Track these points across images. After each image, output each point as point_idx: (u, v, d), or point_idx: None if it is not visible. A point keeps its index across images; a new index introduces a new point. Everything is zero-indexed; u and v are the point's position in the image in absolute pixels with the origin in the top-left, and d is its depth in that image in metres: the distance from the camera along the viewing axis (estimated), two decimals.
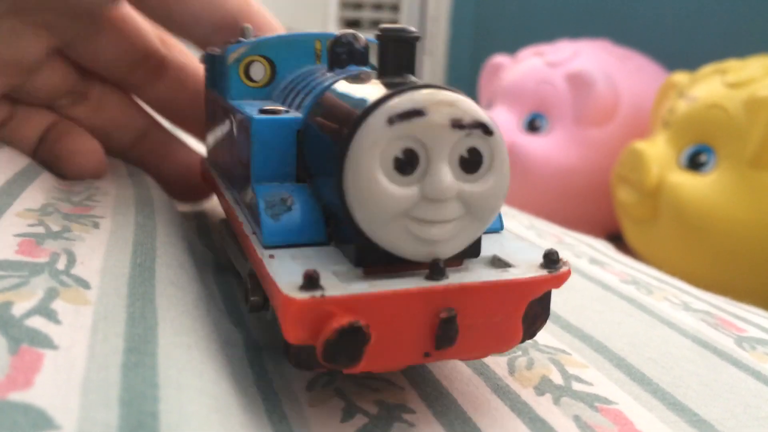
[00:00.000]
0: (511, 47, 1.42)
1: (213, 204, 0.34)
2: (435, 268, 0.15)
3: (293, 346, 0.14)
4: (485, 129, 0.15)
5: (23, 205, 0.20)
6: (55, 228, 0.19)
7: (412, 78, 0.16)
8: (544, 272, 0.15)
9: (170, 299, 0.17)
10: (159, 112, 0.31)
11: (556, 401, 0.18)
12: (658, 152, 0.93)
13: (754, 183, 0.83)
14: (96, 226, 0.20)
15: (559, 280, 0.16)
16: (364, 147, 0.14)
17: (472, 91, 1.57)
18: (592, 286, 0.27)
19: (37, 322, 0.14)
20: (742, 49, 1.05)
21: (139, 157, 0.31)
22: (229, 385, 0.16)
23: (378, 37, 0.16)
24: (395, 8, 2.01)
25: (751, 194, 0.83)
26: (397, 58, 0.16)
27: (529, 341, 0.21)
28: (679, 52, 1.30)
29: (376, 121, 0.14)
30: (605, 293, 0.26)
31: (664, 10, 1.36)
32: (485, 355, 0.16)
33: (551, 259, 0.16)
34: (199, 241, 0.28)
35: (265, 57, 0.22)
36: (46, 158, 0.27)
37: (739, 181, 0.84)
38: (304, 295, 0.13)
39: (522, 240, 0.18)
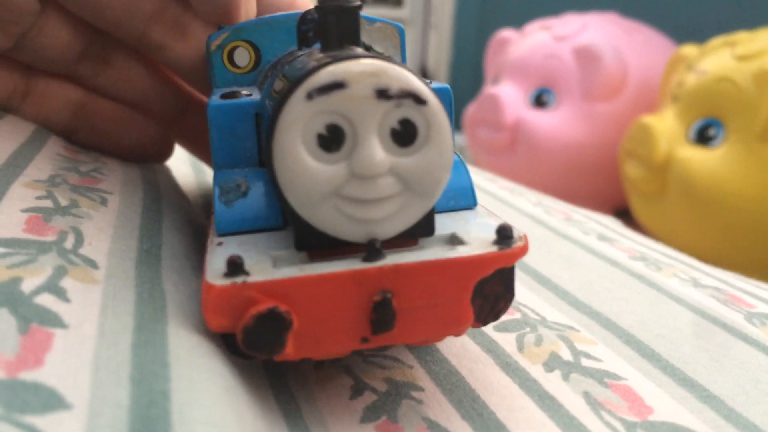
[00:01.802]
0: (518, 21, 1.41)
1: None
2: (371, 249, 0.14)
3: (230, 346, 0.14)
4: (416, 98, 0.13)
5: (31, 175, 0.20)
6: (63, 202, 0.19)
7: (356, 50, 0.15)
8: (493, 249, 0.14)
9: (176, 285, 0.17)
10: (184, 77, 0.26)
11: (566, 378, 0.18)
12: (666, 126, 0.93)
13: (763, 157, 0.83)
14: (104, 202, 0.20)
15: (509, 258, 0.14)
16: (285, 125, 0.13)
17: (478, 66, 1.56)
18: (601, 262, 0.27)
19: (46, 300, 0.14)
20: (752, 21, 1.04)
21: (181, 134, 0.28)
22: (237, 365, 0.16)
23: (317, 9, 0.15)
24: None
25: (760, 168, 0.83)
26: (338, 29, 0.15)
27: (537, 318, 0.21)
28: (688, 24, 1.28)
29: (296, 98, 0.13)
30: (614, 270, 0.26)
31: None
32: (436, 339, 0.16)
33: (504, 235, 0.15)
34: (205, 225, 0.28)
35: (248, 42, 0.21)
36: (97, 142, 0.26)
37: (749, 155, 0.84)
38: (224, 282, 0.13)
39: (491, 216, 0.17)
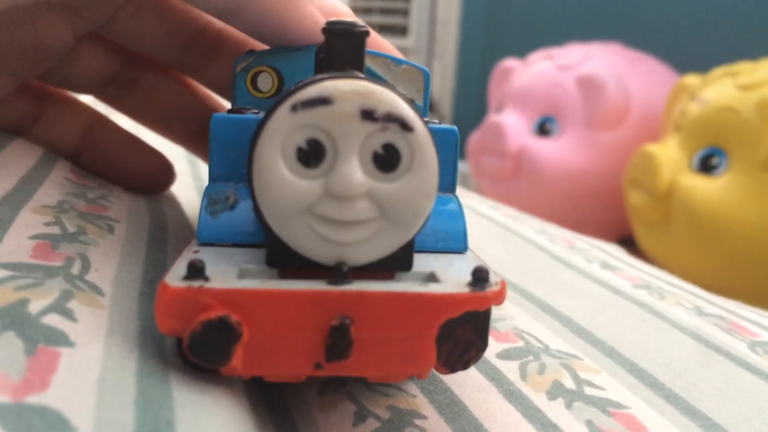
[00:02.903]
0: (522, 51, 1.42)
1: None
2: (337, 272, 0.13)
3: (182, 355, 0.14)
4: (403, 124, 0.13)
5: (39, 201, 0.20)
6: (71, 229, 0.19)
7: (355, 73, 0.15)
8: (464, 290, 0.14)
9: None
10: (220, 94, 0.27)
11: (569, 406, 0.18)
12: (669, 155, 0.93)
13: (766, 185, 0.83)
14: (110, 230, 0.20)
15: (480, 302, 0.14)
16: (266, 135, 0.13)
17: (482, 95, 1.57)
18: (604, 291, 0.27)
19: (53, 320, 0.14)
20: (754, 51, 1.04)
21: (206, 151, 0.28)
22: (240, 392, 0.16)
23: (324, 31, 0.15)
24: (405, 13, 2.02)
25: (764, 197, 0.83)
26: (342, 53, 0.15)
27: (540, 346, 0.21)
28: (690, 54, 1.29)
29: (281, 109, 0.13)
30: (617, 298, 0.26)
31: (675, 12, 1.35)
32: (396, 378, 0.15)
33: (478, 277, 0.14)
34: None
35: (272, 67, 0.21)
36: (100, 166, 0.26)
37: (752, 183, 0.84)
38: (181, 284, 0.13)
39: (478, 261, 0.16)
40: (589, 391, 0.19)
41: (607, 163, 1.13)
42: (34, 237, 0.18)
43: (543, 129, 1.18)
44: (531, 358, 0.20)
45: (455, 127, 0.18)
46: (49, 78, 0.24)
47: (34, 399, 0.12)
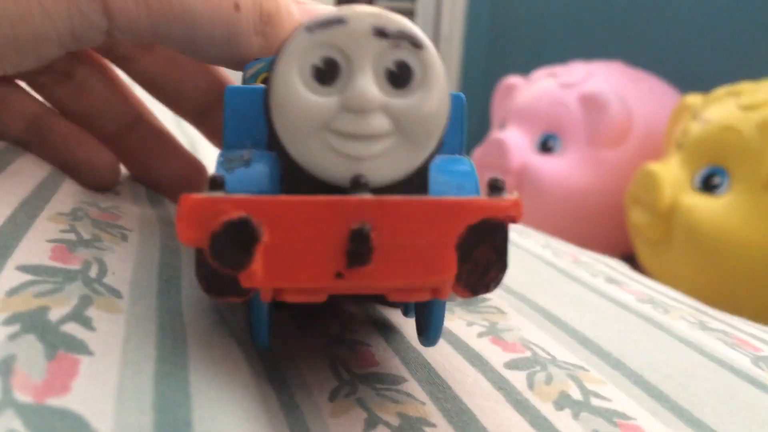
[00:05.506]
0: (525, 68, 1.43)
1: None
2: (354, 183, 0.14)
3: (202, 269, 0.14)
4: (414, 41, 0.14)
5: (55, 208, 0.20)
6: (86, 236, 0.19)
7: None
8: (481, 197, 0.14)
9: (196, 316, 0.18)
10: (149, 89, 0.27)
11: (576, 416, 0.18)
12: (671, 174, 0.94)
13: (767, 205, 0.83)
14: (124, 238, 0.21)
15: (498, 209, 0.14)
16: (284, 56, 0.14)
17: (485, 111, 1.58)
18: (609, 304, 0.27)
19: (73, 329, 0.14)
20: (756, 71, 1.05)
21: (125, 150, 0.28)
22: (255, 392, 0.16)
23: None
24: None
25: (765, 216, 0.83)
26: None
27: (547, 357, 0.21)
28: (693, 73, 1.30)
29: (297, 32, 0.14)
30: (622, 312, 0.27)
31: (678, 31, 1.36)
32: (413, 285, 0.15)
33: (494, 187, 0.14)
34: None
35: None
36: (48, 158, 0.26)
37: (753, 203, 0.84)
38: (201, 195, 0.13)
39: None
40: (595, 401, 0.19)
41: (609, 181, 1.13)
42: (51, 241, 0.18)
43: (545, 146, 1.19)
44: (538, 368, 0.20)
45: (461, 94, 0.18)
46: None
47: (55, 401, 0.12)
